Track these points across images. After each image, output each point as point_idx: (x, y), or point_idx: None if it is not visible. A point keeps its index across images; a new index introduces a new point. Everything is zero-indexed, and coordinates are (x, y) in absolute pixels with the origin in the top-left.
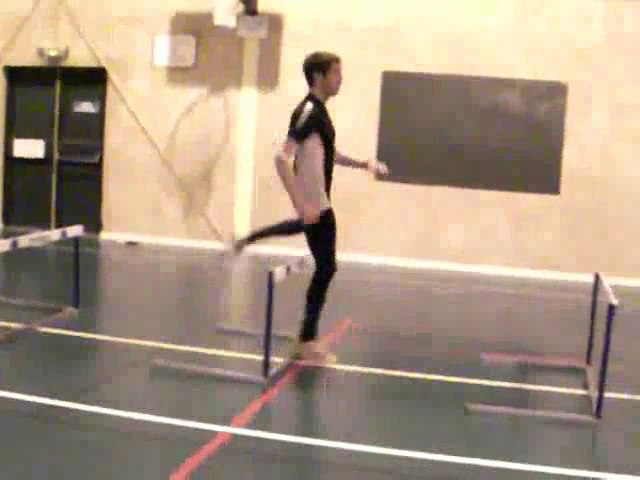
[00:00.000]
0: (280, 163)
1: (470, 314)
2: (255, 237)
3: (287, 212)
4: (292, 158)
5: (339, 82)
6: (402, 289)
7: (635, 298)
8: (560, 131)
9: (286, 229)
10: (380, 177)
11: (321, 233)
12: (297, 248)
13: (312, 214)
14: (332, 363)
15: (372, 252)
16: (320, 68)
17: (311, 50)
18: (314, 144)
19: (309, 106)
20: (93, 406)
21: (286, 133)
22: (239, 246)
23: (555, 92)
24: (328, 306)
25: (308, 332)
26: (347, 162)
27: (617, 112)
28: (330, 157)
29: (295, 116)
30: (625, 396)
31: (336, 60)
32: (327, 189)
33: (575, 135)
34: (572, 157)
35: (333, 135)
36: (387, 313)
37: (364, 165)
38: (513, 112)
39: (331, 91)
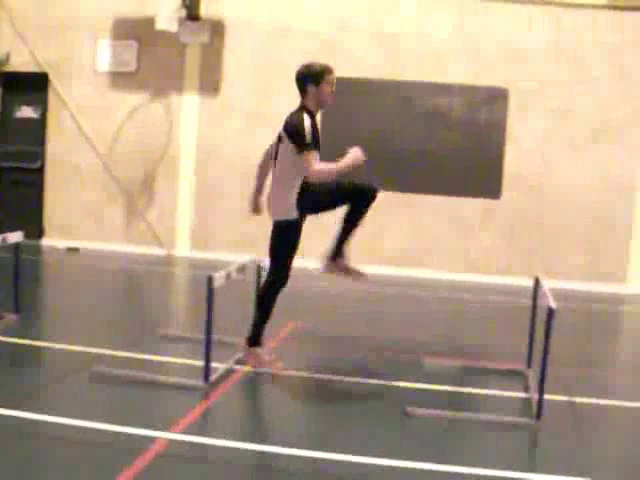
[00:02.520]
0: (318, 173)
1: (411, 318)
2: (337, 251)
3: (227, 217)
4: (318, 164)
5: (332, 93)
6: (344, 294)
7: (575, 301)
8: (501, 136)
9: (347, 217)
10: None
11: (286, 237)
12: (239, 254)
13: (355, 155)
14: (279, 369)
15: (314, 257)
16: (313, 79)
17: (251, 55)
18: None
19: (304, 118)
20: (33, 413)
21: (296, 152)
22: (330, 268)
23: (495, 97)
24: (274, 312)
25: (256, 337)
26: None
27: (556, 117)
28: None
29: (295, 131)
30: (564, 398)
31: (329, 71)
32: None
33: (515, 140)
34: (512, 161)
35: (319, 147)
36: (329, 318)
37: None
38: (454, 117)
39: (324, 102)
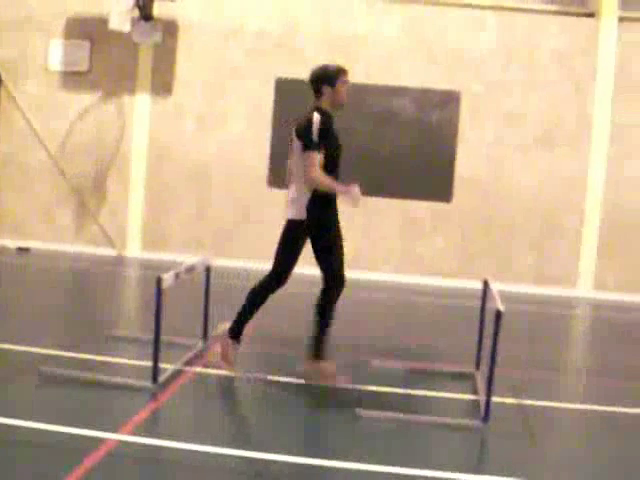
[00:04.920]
0: (314, 181)
1: (360, 320)
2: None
3: (179, 217)
4: (317, 171)
5: (346, 94)
6: (294, 296)
7: (524, 304)
8: (452, 139)
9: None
10: (356, 204)
11: (293, 237)
12: (190, 254)
13: (354, 194)
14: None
15: (267, 259)
16: (329, 80)
17: (204, 55)
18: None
19: (317, 117)
20: None
21: (301, 150)
22: (312, 376)
23: (448, 101)
24: (220, 312)
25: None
26: None
27: (507, 120)
28: (333, 170)
29: (304, 128)
30: (513, 400)
31: (344, 72)
32: (334, 199)
33: (467, 143)
34: (464, 165)
35: (338, 148)
36: (281, 320)
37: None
38: (406, 120)
39: (339, 103)
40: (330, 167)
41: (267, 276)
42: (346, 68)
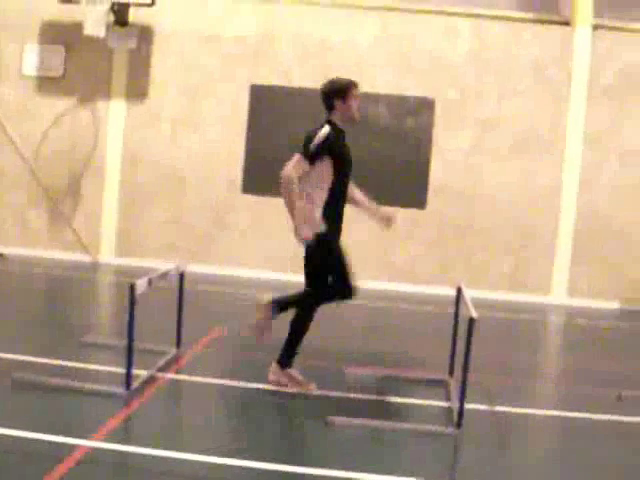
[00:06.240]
0: (288, 180)
1: (333, 326)
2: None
3: (153, 223)
4: (294, 174)
5: (358, 108)
6: None
7: (499, 311)
8: (427, 146)
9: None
10: (388, 226)
11: (324, 252)
12: (164, 260)
13: (306, 233)
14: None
15: (241, 265)
16: (340, 94)
17: (179, 61)
18: (323, 168)
19: (325, 129)
20: None
21: (297, 151)
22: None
23: (422, 107)
24: (194, 318)
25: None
26: (354, 202)
27: (481, 127)
28: (342, 184)
29: (309, 138)
30: (484, 407)
31: (355, 85)
32: (340, 216)
33: (441, 150)
34: (438, 172)
35: (348, 163)
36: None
37: (371, 211)
38: (381, 127)
39: (351, 116)
40: (340, 183)
41: (305, 296)
42: (356, 81)
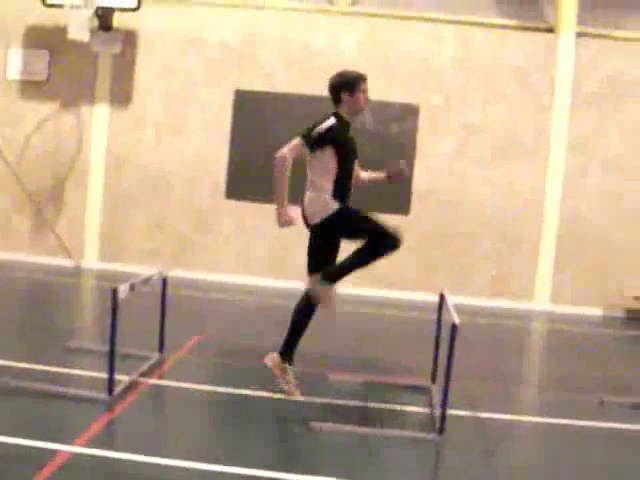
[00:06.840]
0: (281, 160)
1: (316, 332)
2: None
3: (137, 228)
4: (288, 155)
5: (366, 100)
6: (253, 307)
7: (482, 317)
8: (411, 152)
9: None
10: (405, 177)
11: (335, 230)
12: (148, 265)
13: (284, 219)
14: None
15: (225, 270)
16: (348, 87)
17: (163, 65)
18: (327, 158)
19: (330, 120)
20: None
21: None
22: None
23: (406, 113)
24: (177, 323)
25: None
26: (369, 181)
27: (465, 133)
28: (346, 175)
29: (314, 125)
30: (467, 413)
31: (363, 79)
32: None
33: (425, 156)
34: (422, 178)
35: (352, 154)
36: (236, 331)
37: (381, 177)
38: (365, 133)
39: (358, 109)
40: (344, 175)
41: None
42: (365, 75)
